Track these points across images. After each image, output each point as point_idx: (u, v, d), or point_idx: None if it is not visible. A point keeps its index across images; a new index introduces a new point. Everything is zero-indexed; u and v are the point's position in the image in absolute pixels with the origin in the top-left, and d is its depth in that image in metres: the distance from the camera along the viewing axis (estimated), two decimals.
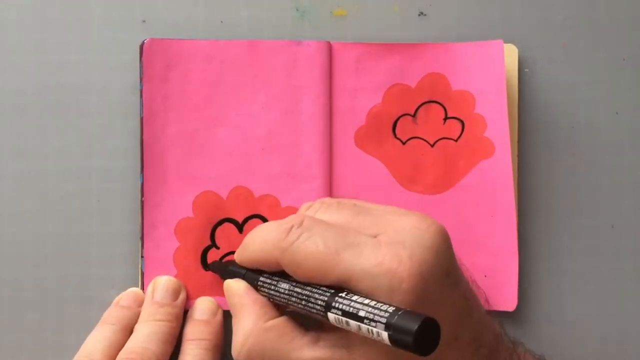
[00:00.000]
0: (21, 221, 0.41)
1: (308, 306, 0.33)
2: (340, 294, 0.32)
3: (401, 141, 0.42)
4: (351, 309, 0.31)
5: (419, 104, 0.42)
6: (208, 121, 0.41)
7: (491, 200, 0.41)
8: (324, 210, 0.36)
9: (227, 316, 0.41)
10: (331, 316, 0.32)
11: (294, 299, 0.34)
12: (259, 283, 0.36)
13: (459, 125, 0.42)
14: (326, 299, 0.32)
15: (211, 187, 0.41)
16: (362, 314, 0.30)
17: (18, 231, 0.41)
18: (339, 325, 0.32)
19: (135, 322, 0.39)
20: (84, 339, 0.41)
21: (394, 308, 0.29)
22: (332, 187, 0.41)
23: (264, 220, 0.41)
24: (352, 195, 0.41)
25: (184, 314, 0.40)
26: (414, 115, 0.42)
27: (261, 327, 0.35)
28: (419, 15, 0.43)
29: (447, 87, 0.42)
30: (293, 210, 0.41)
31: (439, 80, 0.42)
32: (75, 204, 0.41)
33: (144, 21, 0.42)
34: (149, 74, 0.41)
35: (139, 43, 0.41)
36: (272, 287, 0.35)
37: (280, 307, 0.36)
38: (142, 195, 0.41)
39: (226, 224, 0.41)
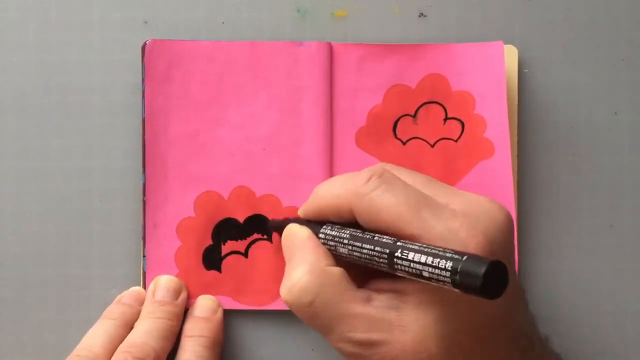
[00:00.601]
0: (23, 220, 0.42)
1: (371, 253, 0.33)
2: (404, 241, 0.32)
3: (401, 141, 0.42)
4: (416, 256, 0.31)
5: (419, 104, 0.42)
6: (209, 121, 0.41)
7: None
8: (397, 171, 0.36)
9: (227, 315, 0.41)
10: (395, 262, 0.32)
11: (357, 244, 0.34)
12: (321, 234, 0.36)
13: (459, 126, 0.42)
14: (392, 243, 0.32)
15: (212, 187, 0.41)
16: (428, 260, 0.30)
17: (20, 230, 0.42)
18: (400, 274, 0.32)
19: (136, 319, 0.40)
20: None
21: (458, 254, 0.29)
22: None
23: (266, 219, 0.41)
24: None
25: (185, 312, 0.41)
26: (414, 116, 0.42)
27: (320, 268, 0.35)
28: (419, 16, 0.43)
29: (447, 87, 0.42)
30: (294, 209, 0.41)
31: (439, 81, 0.42)
32: (77, 203, 0.42)
33: (145, 22, 0.42)
34: (151, 75, 0.41)
35: (141, 44, 0.41)
36: (335, 237, 0.35)
37: (338, 262, 0.36)
38: (144, 195, 0.41)
39: (227, 224, 0.41)
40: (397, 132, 0.42)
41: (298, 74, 0.41)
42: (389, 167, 0.36)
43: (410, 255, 0.31)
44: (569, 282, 0.42)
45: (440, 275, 0.29)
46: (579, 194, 0.43)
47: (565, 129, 0.43)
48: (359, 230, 0.34)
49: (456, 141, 0.42)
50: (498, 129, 0.41)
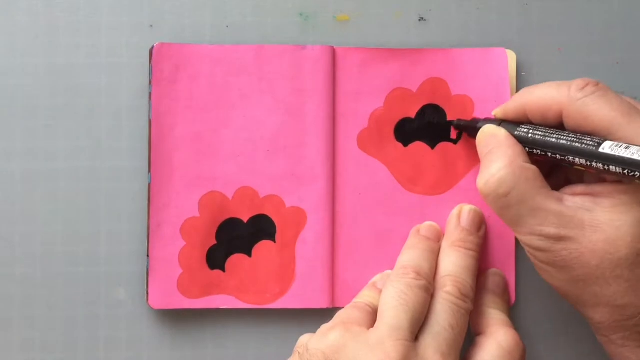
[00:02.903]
0: (31, 220, 0.42)
1: (578, 149, 0.35)
2: (612, 142, 0.34)
3: (402, 144, 0.43)
4: (627, 151, 0.32)
5: (420, 107, 0.42)
6: (214, 123, 0.42)
7: None
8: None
9: (230, 314, 0.41)
10: (603, 155, 0.33)
11: (562, 139, 0.36)
12: (521, 132, 0.38)
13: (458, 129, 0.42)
14: (600, 141, 0.34)
15: (217, 188, 0.42)
16: (634, 156, 0.32)
17: (28, 230, 0.42)
18: (607, 175, 0.34)
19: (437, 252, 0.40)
20: (91, 336, 0.41)
21: None
22: (335, 188, 0.42)
23: (269, 219, 0.42)
24: (354, 196, 0.42)
25: None
26: (415, 119, 0.43)
27: (519, 163, 0.36)
28: (420, 20, 0.43)
29: (447, 91, 0.42)
30: (298, 210, 0.42)
31: (439, 85, 0.42)
32: (84, 203, 0.42)
33: (151, 26, 0.42)
34: (158, 77, 0.41)
35: (147, 47, 0.42)
36: (534, 134, 0.37)
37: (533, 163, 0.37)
38: (149, 195, 0.41)
39: (231, 224, 0.42)
40: (398, 135, 0.42)
41: (301, 77, 0.42)
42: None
43: (620, 151, 0.33)
44: None
45: None
46: None
47: None
48: (564, 131, 0.36)
49: (455, 144, 0.42)
50: None
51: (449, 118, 0.42)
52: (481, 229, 0.41)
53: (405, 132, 0.42)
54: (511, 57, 0.42)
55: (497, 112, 0.40)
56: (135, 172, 0.42)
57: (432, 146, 0.42)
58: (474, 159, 0.42)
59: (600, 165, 0.34)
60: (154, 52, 0.41)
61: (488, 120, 0.39)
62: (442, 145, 0.42)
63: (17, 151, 0.42)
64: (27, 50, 0.42)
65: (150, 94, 0.41)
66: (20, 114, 0.42)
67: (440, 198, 0.42)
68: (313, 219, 0.42)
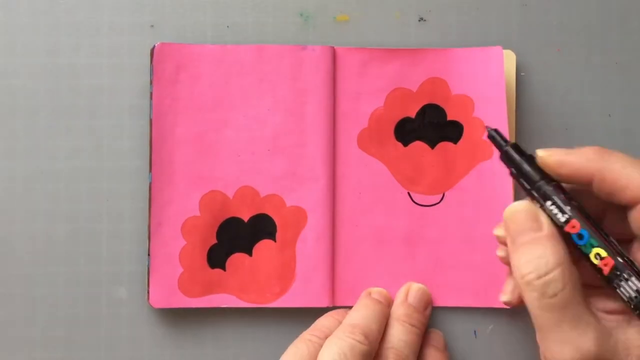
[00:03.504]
0: (33, 220, 0.42)
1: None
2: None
3: (402, 143, 0.43)
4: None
5: (420, 107, 0.43)
6: (215, 123, 0.42)
7: (489, 200, 0.42)
8: None
9: (231, 313, 0.41)
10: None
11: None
12: (560, 210, 0.34)
13: (458, 129, 0.42)
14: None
15: (217, 187, 0.42)
16: None
17: (30, 229, 0.42)
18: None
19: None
20: (92, 335, 0.42)
21: None
22: (335, 188, 0.42)
23: (270, 219, 0.42)
24: (354, 195, 0.42)
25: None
26: (415, 119, 0.43)
27: (569, 265, 0.33)
28: (419, 20, 0.43)
29: (447, 91, 0.42)
30: (298, 209, 0.42)
31: (439, 84, 0.42)
32: (85, 203, 0.42)
33: (152, 26, 0.43)
34: (159, 77, 0.41)
35: (148, 47, 0.42)
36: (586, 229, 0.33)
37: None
38: (150, 195, 0.41)
39: (232, 223, 0.42)
40: (398, 135, 0.42)
41: (302, 77, 0.42)
42: None
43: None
44: None
45: None
46: None
47: (561, 130, 0.43)
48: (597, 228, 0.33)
49: (455, 143, 0.43)
50: None
51: (448, 118, 0.43)
52: (427, 308, 0.41)
53: (405, 132, 0.42)
54: (511, 57, 0.42)
55: (546, 157, 0.35)
56: (136, 172, 0.42)
57: (432, 146, 0.42)
58: (474, 159, 0.42)
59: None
60: (155, 52, 0.41)
61: (532, 167, 0.35)
62: (442, 145, 0.42)
63: (19, 151, 0.42)
64: (28, 50, 0.42)
65: (151, 93, 0.42)
66: (21, 114, 0.42)
67: (440, 198, 0.42)
68: (313, 219, 0.42)
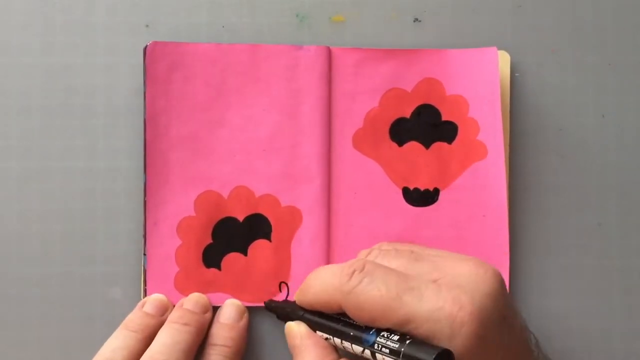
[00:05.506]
0: (27, 220, 0.42)
1: (349, 341, 0.35)
2: (383, 334, 0.33)
3: (397, 143, 0.43)
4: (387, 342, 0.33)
5: (415, 107, 0.43)
6: (210, 122, 0.42)
7: (483, 200, 0.42)
8: (382, 257, 0.37)
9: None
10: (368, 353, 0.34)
11: (341, 339, 0.36)
12: (316, 323, 0.38)
13: (453, 129, 0.43)
14: (363, 336, 0.34)
15: (212, 187, 0.42)
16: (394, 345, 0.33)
17: (24, 229, 0.42)
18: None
19: (157, 331, 0.39)
20: (87, 336, 0.41)
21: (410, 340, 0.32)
22: (330, 188, 0.42)
23: (265, 219, 0.42)
24: (349, 195, 0.42)
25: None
26: (410, 119, 0.43)
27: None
28: (414, 21, 0.43)
29: (442, 91, 0.43)
30: (293, 209, 0.42)
31: (434, 85, 0.42)
32: (80, 202, 0.42)
33: (147, 25, 0.42)
34: (152, 76, 0.41)
35: (142, 47, 0.42)
36: (324, 328, 0.37)
37: (339, 350, 0.37)
38: (145, 194, 0.41)
39: (227, 223, 0.42)
40: (393, 135, 0.43)
41: (297, 77, 0.42)
42: (373, 255, 0.37)
43: (386, 342, 0.33)
44: (558, 279, 0.43)
45: None
46: (567, 194, 0.43)
47: (555, 131, 0.43)
48: (340, 322, 0.36)
49: (450, 143, 0.43)
50: (491, 131, 0.42)
51: (443, 118, 0.43)
52: (207, 312, 0.41)
53: (400, 132, 0.43)
54: (505, 58, 0.43)
55: (297, 300, 0.39)
56: (131, 172, 0.42)
57: (427, 146, 0.43)
58: (469, 159, 0.42)
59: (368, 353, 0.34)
60: (147, 51, 0.41)
61: (293, 308, 0.39)
62: (437, 145, 0.43)
63: (13, 150, 0.42)
64: (23, 49, 0.42)
65: (144, 93, 0.41)
66: (15, 114, 0.42)
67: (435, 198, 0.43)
68: (308, 219, 0.42)
